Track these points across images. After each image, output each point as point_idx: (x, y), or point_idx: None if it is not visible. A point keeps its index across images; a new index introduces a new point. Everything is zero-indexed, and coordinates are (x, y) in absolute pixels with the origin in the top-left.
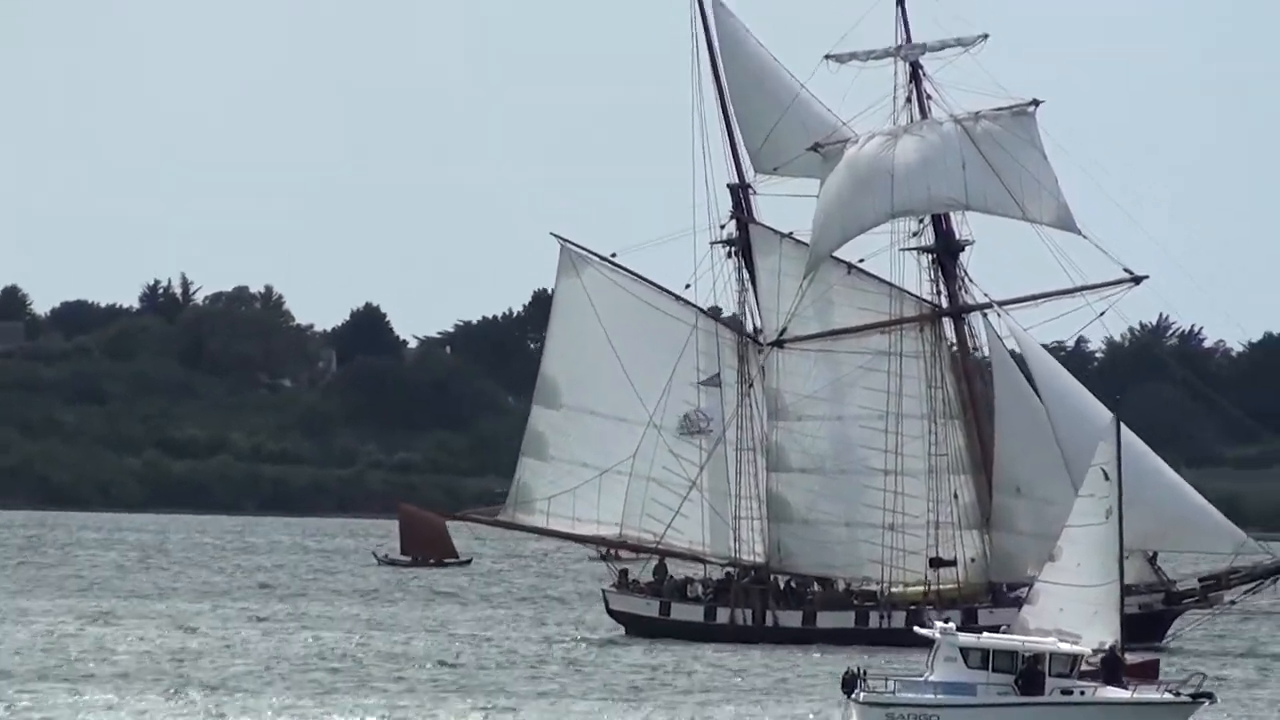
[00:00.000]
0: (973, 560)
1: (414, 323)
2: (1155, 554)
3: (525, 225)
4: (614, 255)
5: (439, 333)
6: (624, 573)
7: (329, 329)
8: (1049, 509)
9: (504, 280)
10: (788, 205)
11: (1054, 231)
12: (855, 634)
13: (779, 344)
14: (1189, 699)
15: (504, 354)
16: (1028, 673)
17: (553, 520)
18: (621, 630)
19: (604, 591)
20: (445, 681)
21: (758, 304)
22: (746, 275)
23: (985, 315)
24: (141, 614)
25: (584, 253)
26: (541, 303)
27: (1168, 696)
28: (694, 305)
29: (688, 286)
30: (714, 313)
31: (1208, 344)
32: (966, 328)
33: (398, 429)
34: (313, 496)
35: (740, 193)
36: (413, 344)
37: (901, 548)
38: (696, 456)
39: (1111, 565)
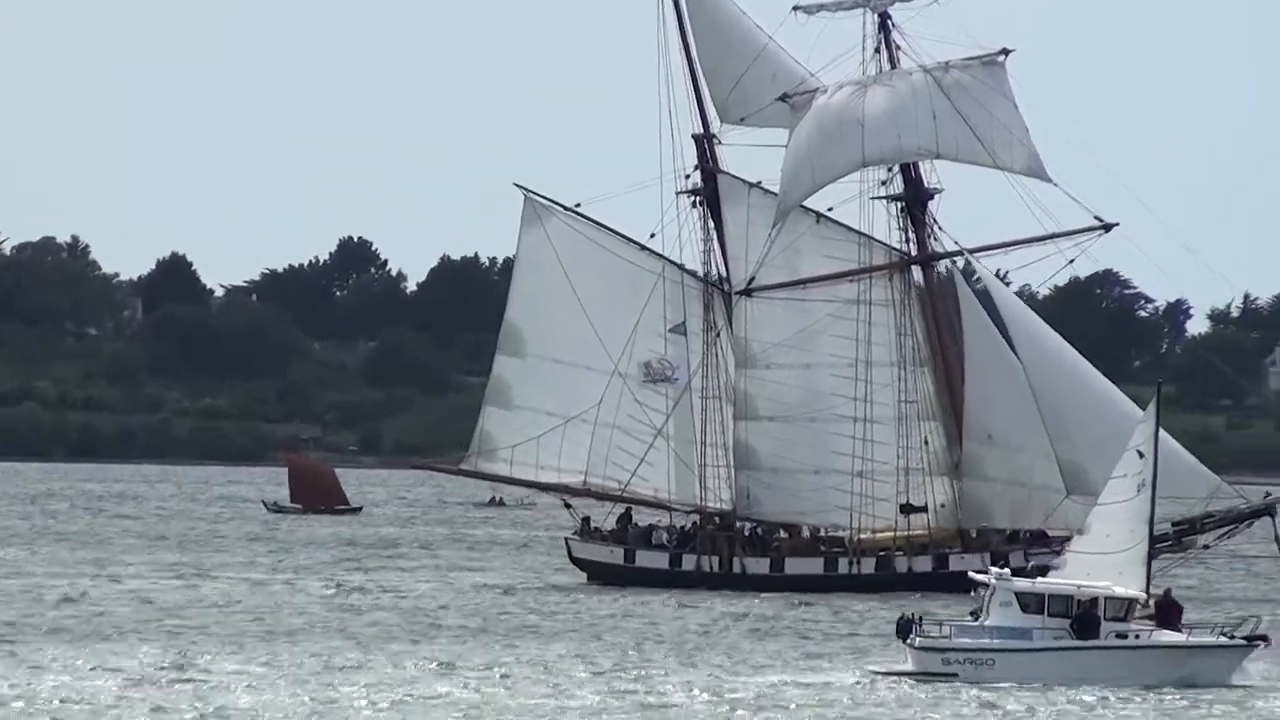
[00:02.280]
0: (942, 506)
1: (221, 271)
2: None
3: (329, 172)
4: (578, 205)
5: (246, 281)
6: (586, 520)
7: (136, 278)
8: (1019, 456)
9: (310, 228)
10: (754, 155)
11: (1025, 179)
12: (824, 580)
13: (747, 293)
14: (1244, 642)
15: (311, 302)
16: (1083, 617)
17: (516, 469)
18: (584, 577)
19: (567, 539)
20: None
21: (724, 253)
22: (712, 224)
23: (955, 263)
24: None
25: (548, 203)
26: (346, 250)
27: (1222, 640)
28: (659, 254)
29: (653, 236)
30: (679, 262)
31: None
32: (936, 275)
33: (204, 376)
34: (120, 443)
35: (705, 143)
36: (219, 292)
37: (870, 494)
38: (662, 405)
39: (1140, 530)
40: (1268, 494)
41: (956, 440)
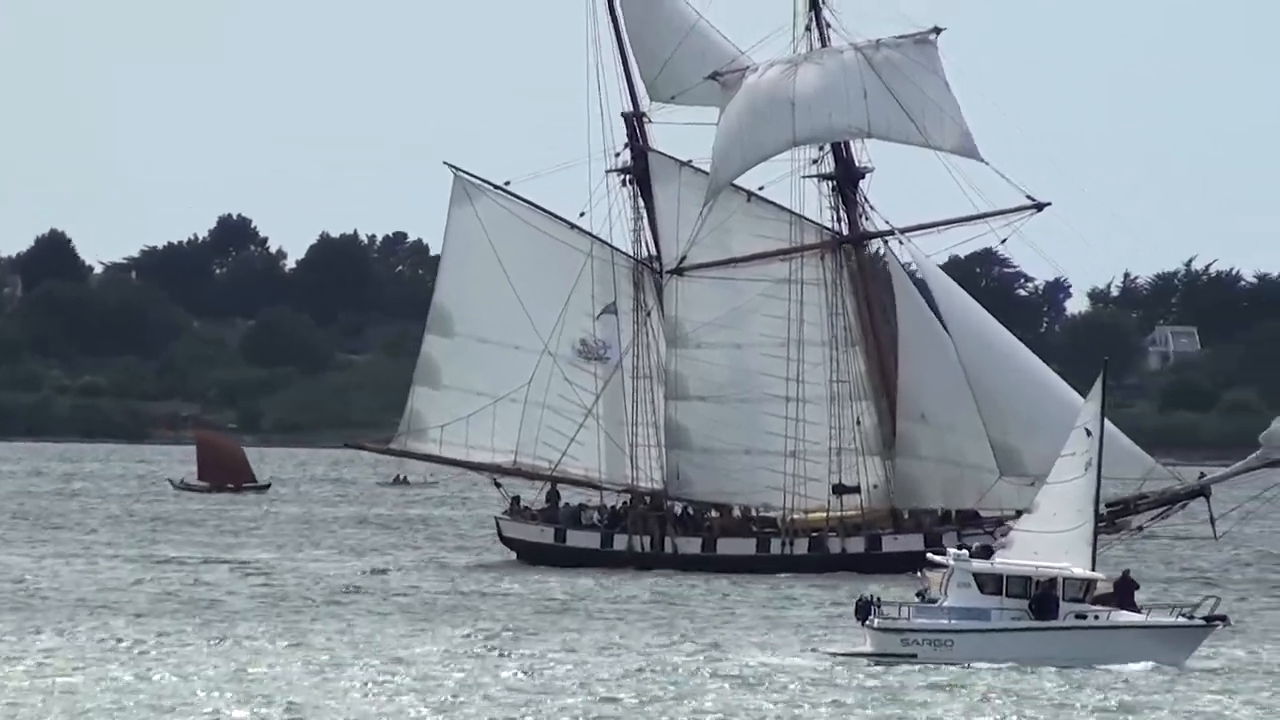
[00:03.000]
0: (875, 486)
1: (100, 248)
2: None
3: (209, 150)
4: (507, 184)
5: (125, 258)
6: (516, 499)
7: (14, 255)
8: (951, 435)
9: (190, 206)
10: (684, 133)
11: (956, 158)
12: (757, 561)
13: (678, 272)
14: (1203, 622)
15: (190, 279)
16: (1041, 597)
17: (445, 449)
18: (513, 556)
19: (496, 519)
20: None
21: (655, 232)
22: (642, 203)
23: (887, 242)
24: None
25: (477, 182)
26: (226, 228)
27: (1182, 620)
28: (589, 233)
29: (582, 214)
30: (609, 241)
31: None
32: (867, 255)
33: (84, 354)
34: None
35: (635, 121)
36: (99, 270)
37: (803, 474)
38: (592, 384)
39: (1087, 510)
40: (1201, 475)
41: (889, 420)
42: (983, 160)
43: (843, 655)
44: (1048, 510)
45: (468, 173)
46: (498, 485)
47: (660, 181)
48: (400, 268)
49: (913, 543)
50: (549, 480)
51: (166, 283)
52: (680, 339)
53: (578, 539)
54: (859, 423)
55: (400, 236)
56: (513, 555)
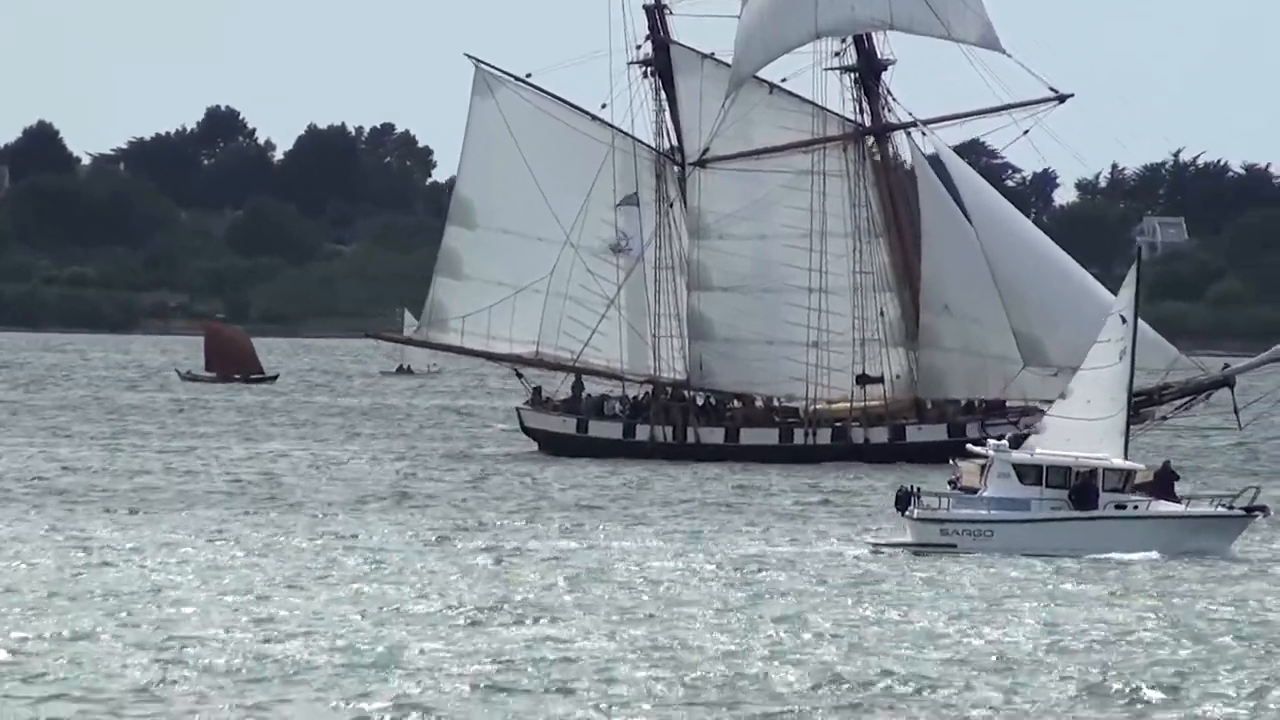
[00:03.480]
0: (898, 377)
1: (88, 140)
2: None
3: (197, 41)
4: (529, 76)
5: (113, 149)
6: (538, 390)
7: (2, 146)
8: (975, 326)
9: (178, 97)
10: (705, 26)
11: (979, 51)
12: (779, 451)
13: (701, 164)
14: (1243, 512)
15: (178, 170)
16: (1081, 488)
17: (467, 339)
18: (534, 446)
19: (518, 409)
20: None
21: (676, 124)
22: (664, 95)
23: (909, 134)
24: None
25: (498, 73)
26: (215, 119)
27: (1221, 510)
28: (610, 125)
29: (604, 106)
30: (630, 133)
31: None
32: (890, 146)
33: (72, 245)
34: None
35: (656, 13)
36: (86, 161)
37: (826, 365)
38: (614, 275)
39: (1120, 398)
40: (1226, 365)
41: (912, 311)
42: (1005, 52)
43: (882, 545)
44: (1081, 396)
45: (489, 64)
46: (519, 375)
47: (682, 74)
48: (388, 159)
49: (936, 433)
50: (571, 371)
51: (154, 174)
52: (703, 230)
53: (599, 429)
54: (882, 314)
55: (388, 128)
56: (533, 445)
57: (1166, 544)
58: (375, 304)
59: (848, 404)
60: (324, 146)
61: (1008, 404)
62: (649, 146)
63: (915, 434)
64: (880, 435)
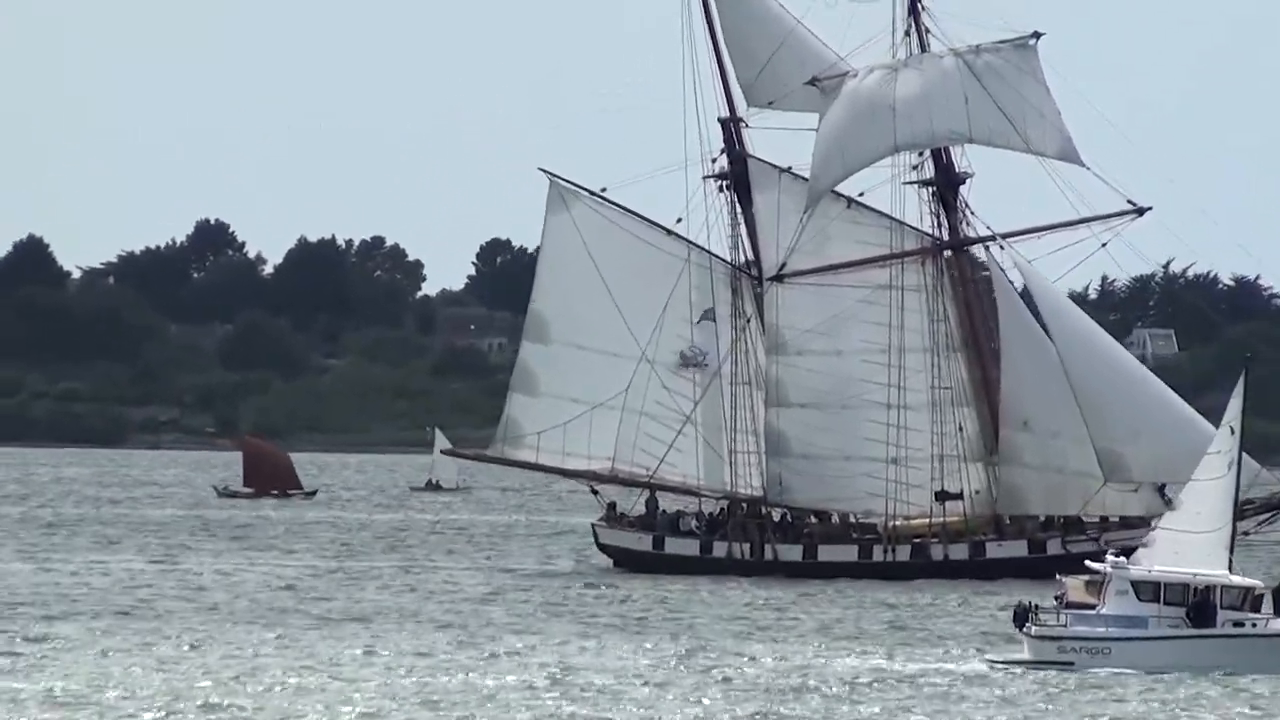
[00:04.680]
0: (977, 493)
1: (78, 254)
2: (1164, 485)
3: (187, 154)
4: (604, 190)
5: (103, 264)
6: (612, 505)
7: None
8: (1055, 442)
9: (168, 211)
10: (781, 139)
11: (1056, 163)
12: (859, 567)
13: (779, 279)
14: None
15: (168, 284)
16: (1199, 605)
17: (542, 455)
18: (610, 563)
19: (593, 525)
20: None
21: (753, 238)
22: (739, 209)
23: (988, 248)
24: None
25: (573, 188)
26: (205, 232)
27: None
28: (686, 239)
29: (679, 221)
30: (707, 247)
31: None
32: (968, 260)
33: (62, 359)
34: None
35: (732, 126)
36: (77, 275)
37: (904, 481)
38: (690, 390)
39: (1227, 511)
40: None
41: (991, 426)
42: (1084, 165)
43: (1001, 662)
44: (1192, 509)
45: (564, 179)
46: (594, 492)
47: (760, 188)
48: (378, 272)
49: (1017, 549)
50: (647, 486)
51: (145, 288)
52: (781, 346)
53: (676, 546)
54: (961, 429)
55: (379, 241)
56: (609, 562)
57: None
58: (364, 417)
59: (927, 520)
60: (314, 260)
61: (1085, 519)
62: (725, 261)
63: (995, 550)
64: (960, 552)
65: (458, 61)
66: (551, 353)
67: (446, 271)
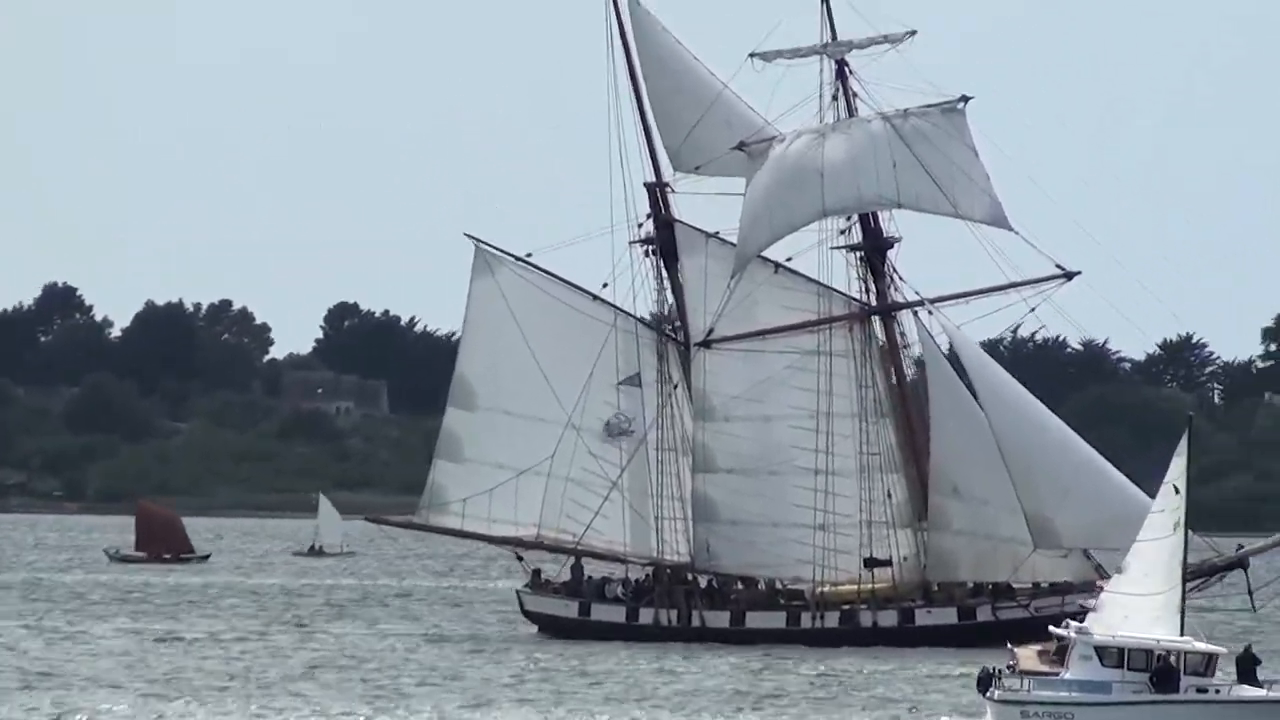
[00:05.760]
0: (906, 559)
1: None
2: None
3: (35, 216)
4: (529, 255)
5: None
6: (537, 572)
7: None
8: (984, 509)
9: (15, 274)
10: (708, 204)
11: (985, 227)
12: (787, 634)
13: (706, 344)
14: None
15: (14, 347)
16: (1162, 671)
17: (467, 522)
18: (535, 629)
19: (518, 592)
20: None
21: (680, 303)
22: (665, 274)
23: (916, 313)
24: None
25: (498, 253)
26: (51, 295)
27: None
28: (612, 305)
29: (605, 286)
30: (632, 312)
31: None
32: (897, 325)
33: None
34: None
35: (658, 191)
36: None
37: (833, 547)
38: (617, 457)
39: (1175, 573)
40: (1240, 546)
41: (920, 492)
42: (1013, 229)
43: None
44: (1138, 571)
45: (489, 244)
46: (519, 559)
47: (686, 253)
48: (225, 335)
49: (946, 616)
50: (573, 553)
51: None
52: (708, 411)
53: (602, 613)
54: (890, 495)
55: (226, 304)
56: (534, 628)
57: None
58: (210, 480)
59: (855, 586)
60: (161, 323)
61: (1015, 586)
62: (651, 326)
63: (924, 617)
64: (889, 619)
65: (321, 125)
66: (477, 419)
67: (294, 335)
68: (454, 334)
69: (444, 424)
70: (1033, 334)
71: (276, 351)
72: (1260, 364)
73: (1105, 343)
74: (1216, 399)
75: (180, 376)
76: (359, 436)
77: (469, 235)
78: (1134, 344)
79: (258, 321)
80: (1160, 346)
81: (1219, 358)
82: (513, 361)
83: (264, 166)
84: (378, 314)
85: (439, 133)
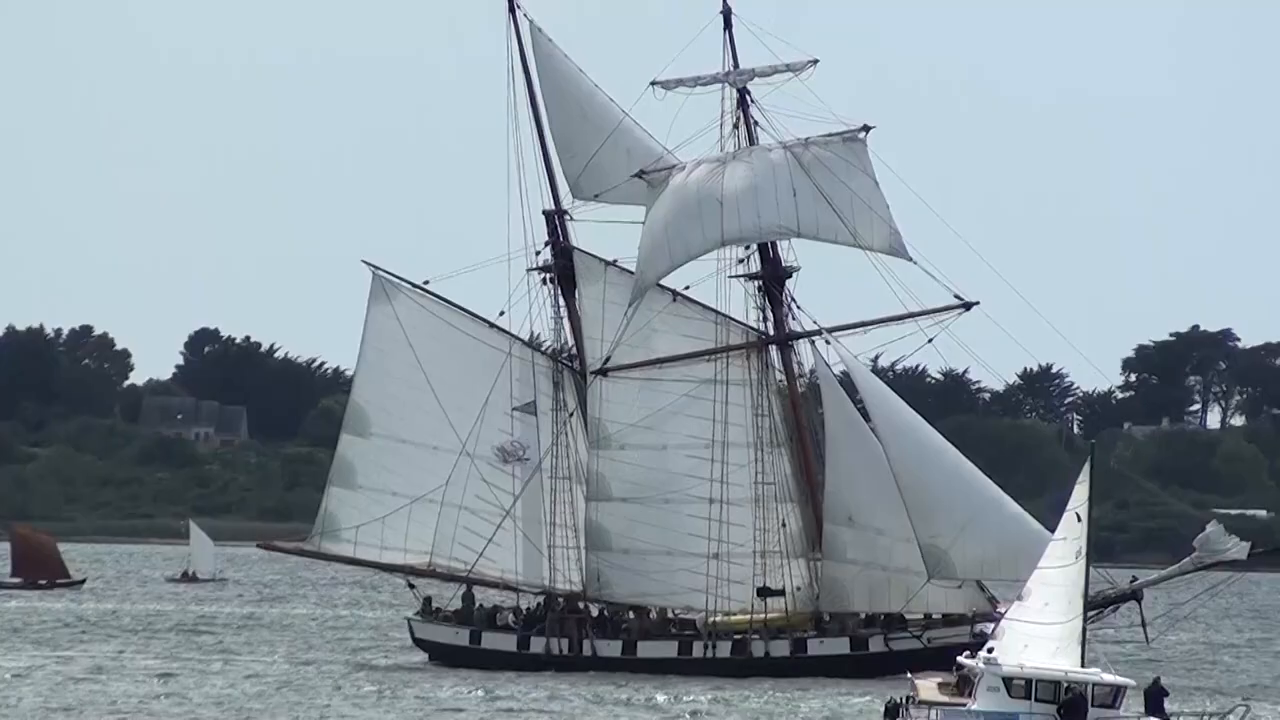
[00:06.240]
0: (799, 589)
1: None
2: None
3: None
4: (426, 283)
5: None
6: (428, 600)
7: None
8: (879, 539)
9: None
10: (607, 231)
11: (885, 257)
12: (679, 664)
13: (603, 373)
14: None
15: None
16: (1071, 703)
17: (360, 549)
18: (424, 657)
19: (409, 619)
20: None
21: (577, 331)
22: (563, 302)
23: (813, 342)
24: None
25: (395, 280)
26: None
27: None
28: (508, 332)
29: (501, 314)
30: (530, 340)
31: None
32: (794, 355)
33: None
34: None
35: (557, 219)
36: None
37: (726, 577)
38: (510, 485)
39: (1076, 602)
40: (1134, 578)
41: (814, 522)
42: (911, 260)
43: None
44: (1039, 600)
45: (387, 271)
46: (411, 586)
47: (585, 280)
48: (86, 361)
49: (839, 646)
50: (464, 581)
51: None
52: (603, 440)
53: (494, 641)
54: (784, 525)
55: (87, 330)
56: (423, 656)
57: None
58: (70, 506)
59: (747, 616)
60: (21, 348)
61: (907, 616)
62: (547, 354)
63: (817, 647)
64: (781, 648)
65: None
66: (371, 446)
67: (154, 361)
68: (314, 360)
69: (338, 451)
70: (894, 364)
71: (136, 377)
72: (1120, 394)
73: (965, 372)
74: (1076, 429)
75: (40, 401)
76: (218, 462)
77: (366, 262)
78: (997, 374)
79: (118, 347)
80: (1020, 376)
81: (1079, 388)
82: (408, 388)
83: (128, 191)
84: (238, 340)
85: (330, 158)
